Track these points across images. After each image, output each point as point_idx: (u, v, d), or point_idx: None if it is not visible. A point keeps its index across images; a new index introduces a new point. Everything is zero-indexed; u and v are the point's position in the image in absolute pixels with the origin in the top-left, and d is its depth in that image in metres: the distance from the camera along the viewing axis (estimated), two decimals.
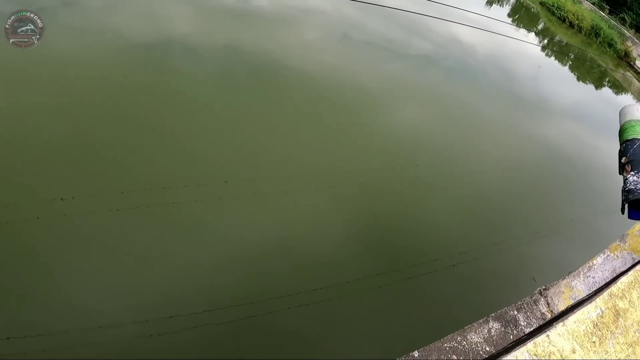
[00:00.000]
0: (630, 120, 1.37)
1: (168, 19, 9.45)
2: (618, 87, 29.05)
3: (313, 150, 8.01)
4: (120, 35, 8.23)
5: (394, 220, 7.50)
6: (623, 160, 1.28)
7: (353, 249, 6.70)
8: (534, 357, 1.88)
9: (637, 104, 1.47)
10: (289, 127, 8.19)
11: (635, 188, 1.20)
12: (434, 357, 3.23)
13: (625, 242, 4.18)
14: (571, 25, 33.59)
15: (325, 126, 8.72)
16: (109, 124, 6.64)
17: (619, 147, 1.36)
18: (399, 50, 14.10)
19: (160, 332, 4.72)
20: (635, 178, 1.21)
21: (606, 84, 28.24)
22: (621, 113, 1.44)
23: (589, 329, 2.14)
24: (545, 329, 2.10)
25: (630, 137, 1.31)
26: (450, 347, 3.35)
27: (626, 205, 1.24)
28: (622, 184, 1.25)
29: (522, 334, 3.42)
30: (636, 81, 33.23)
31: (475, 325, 3.62)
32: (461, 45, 17.11)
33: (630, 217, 1.28)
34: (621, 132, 1.37)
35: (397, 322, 6.01)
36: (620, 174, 1.29)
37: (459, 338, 3.43)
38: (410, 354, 3.24)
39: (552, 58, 26.04)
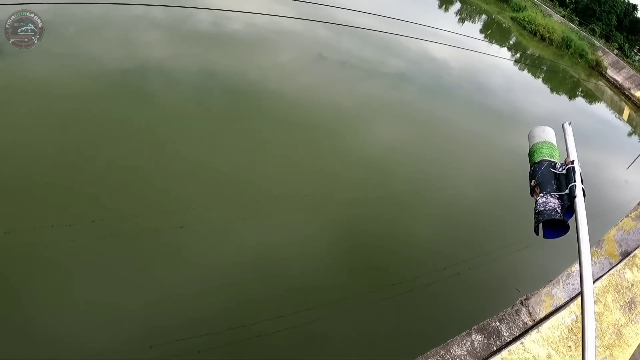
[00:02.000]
0: (537, 143, 1.44)
1: (143, 44, 9.44)
2: (591, 97, 29.63)
3: (292, 172, 7.99)
4: (96, 61, 8.18)
5: (375, 240, 7.47)
6: (532, 183, 1.33)
7: (336, 270, 6.66)
8: None
9: (543, 126, 1.51)
10: (267, 150, 8.18)
11: (544, 209, 1.26)
12: None
13: (602, 247, 4.25)
14: (542, 38, 34.32)
15: (303, 147, 8.72)
16: (83, 152, 6.56)
17: (529, 170, 1.42)
18: (374, 69, 14.23)
19: None
20: (544, 199, 1.27)
21: (579, 94, 28.78)
22: (529, 136, 1.50)
23: (564, 334, 2.17)
24: (521, 337, 2.11)
25: (537, 160, 1.37)
26: None
27: (540, 226, 1.28)
28: (534, 206, 1.31)
29: (505, 345, 3.42)
30: (608, 90, 33.98)
31: (458, 338, 3.65)
32: (435, 62, 17.35)
33: (545, 236, 1.32)
34: (530, 155, 1.43)
35: (381, 340, 5.98)
36: (531, 196, 1.34)
37: (442, 352, 3.46)
38: None
39: (525, 71, 26.47)
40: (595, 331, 0.92)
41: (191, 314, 5.30)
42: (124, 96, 7.87)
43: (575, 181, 1.28)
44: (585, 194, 1.26)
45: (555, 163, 1.37)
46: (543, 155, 1.41)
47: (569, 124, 1.46)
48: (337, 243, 7.06)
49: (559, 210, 1.27)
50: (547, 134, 1.48)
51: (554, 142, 1.45)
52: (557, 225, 1.31)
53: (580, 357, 2.09)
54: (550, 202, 1.29)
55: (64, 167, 6.27)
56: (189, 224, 6.08)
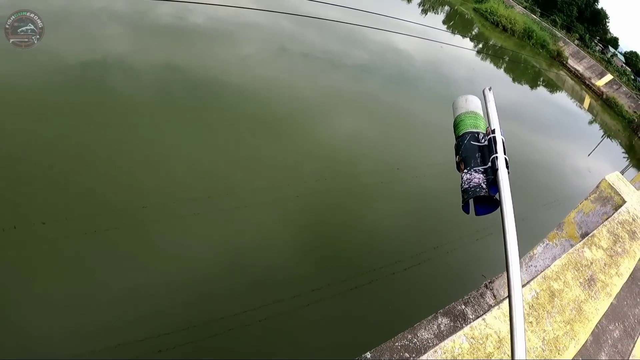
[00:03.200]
0: (460, 115, 1.34)
1: (103, 38, 9.16)
2: (552, 86, 30.30)
3: (256, 165, 7.89)
4: (55, 56, 7.88)
5: (341, 231, 7.46)
6: (457, 158, 1.23)
7: (302, 262, 6.64)
8: (472, 340, 1.91)
9: (467, 95, 1.42)
10: (230, 143, 8.05)
11: (469, 187, 1.18)
12: (386, 357, 3.27)
13: (563, 229, 4.30)
14: (504, 29, 34.92)
15: (266, 140, 8.62)
16: (41, 149, 6.31)
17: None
18: (337, 61, 14.16)
19: None
20: (468, 176, 1.20)
21: (541, 83, 29.39)
22: (453, 107, 1.38)
23: (524, 311, 2.10)
24: (483, 315, 2.07)
25: (461, 133, 1.26)
26: (401, 346, 3.40)
27: (471, 203, 1.18)
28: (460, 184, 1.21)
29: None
30: (569, 79, 34.82)
31: (425, 322, 3.68)
32: (398, 53, 17.41)
33: (477, 214, 1.22)
34: (454, 127, 1.32)
35: (349, 328, 5.98)
36: (458, 172, 1.23)
37: (409, 336, 3.48)
38: (363, 355, 3.25)
39: (488, 61, 26.85)
40: (524, 324, 0.83)
41: (157, 311, 5.20)
42: (84, 91, 7.65)
43: (497, 152, 1.18)
44: (509, 165, 1.17)
45: (479, 134, 1.27)
46: (466, 127, 1.30)
47: (489, 89, 1.35)
48: (302, 235, 7.06)
49: (484, 186, 1.18)
50: (471, 103, 1.36)
51: (480, 111, 1.34)
52: (487, 201, 1.22)
53: (542, 332, 2.07)
54: (475, 177, 1.20)
55: (22, 164, 6.03)
56: (151, 219, 5.98)
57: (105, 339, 4.72)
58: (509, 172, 1.15)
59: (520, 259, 4.34)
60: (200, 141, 7.77)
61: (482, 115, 1.33)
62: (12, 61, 7.20)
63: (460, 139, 1.30)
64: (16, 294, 4.89)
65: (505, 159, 1.18)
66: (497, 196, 1.16)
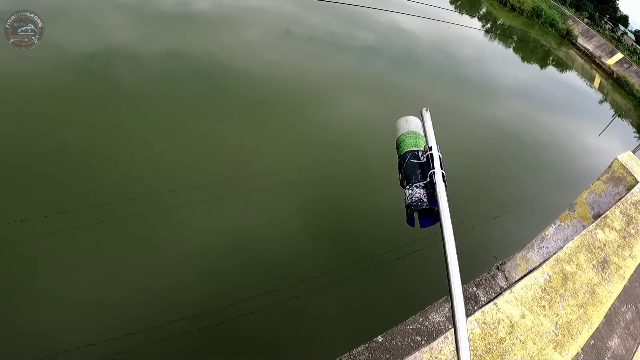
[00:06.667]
0: (401, 135, 1.42)
1: (107, 27, 9.11)
2: (562, 65, 29.93)
3: (263, 151, 7.86)
4: (60, 47, 7.86)
5: (351, 214, 7.45)
6: (400, 176, 1.28)
7: (312, 246, 6.62)
8: (483, 325, 1.89)
9: (407, 116, 1.50)
10: (237, 128, 8.01)
11: (411, 202, 1.26)
12: (397, 340, 3.29)
13: (575, 210, 4.26)
14: (512, 8, 34.47)
15: (273, 125, 8.58)
16: (49, 140, 6.30)
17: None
18: (343, 43, 14.06)
19: (128, 349, 4.54)
20: (410, 191, 1.28)
21: (550, 62, 29.03)
22: (395, 128, 1.45)
23: (537, 294, 2.16)
24: (495, 299, 2.05)
25: (402, 152, 1.37)
26: (413, 329, 3.43)
27: (415, 216, 1.23)
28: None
29: (479, 308, 3.42)
30: (579, 58, 34.38)
31: (436, 305, 3.71)
32: (404, 33, 17.24)
33: (422, 226, 1.28)
34: (396, 147, 1.39)
35: (361, 312, 5.99)
36: (402, 187, 1.29)
37: (421, 319, 3.52)
38: (374, 339, 3.28)
39: (496, 41, 26.53)
40: (466, 321, 0.82)
41: (168, 299, 5.23)
42: (88, 81, 7.62)
43: (434, 168, 1.26)
44: (446, 179, 1.24)
45: (418, 152, 1.35)
46: (407, 146, 1.38)
47: (427, 109, 1.45)
48: (312, 219, 7.05)
49: (424, 200, 1.26)
50: (411, 124, 1.45)
51: (420, 130, 1.43)
52: (430, 214, 1.29)
53: (555, 316, 2.04)
54: (416, 193, 1.28)
55: (31, 156, 6.03)
56: (159, 209, 5.96)
57: (116, 327, 4.76)
58: (446, 186, 1.21)
59: (532, 239, 4.32)
60: (204, 127, 7.75)
61: (422, 134, 1.41)
62: (20, 55, 7.20)
63: (402, 157, 1.37)
64: (34, 284, 4.93)
65: (443, 173, 1.25)
66: (436, 208, 1.22)
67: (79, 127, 6.67)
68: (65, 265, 5.18)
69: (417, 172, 1.30)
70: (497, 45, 26.03)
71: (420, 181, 1.28)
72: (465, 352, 0.93)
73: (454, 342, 1.01)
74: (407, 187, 1.28)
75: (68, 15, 9.04)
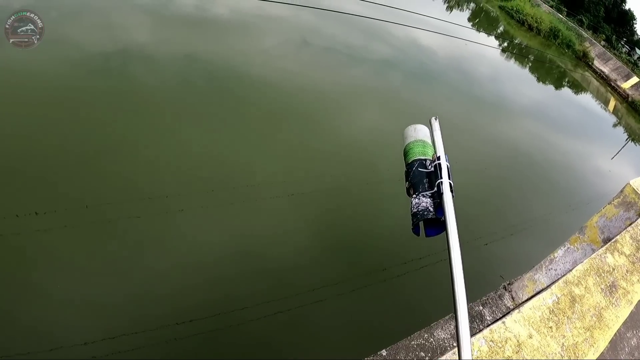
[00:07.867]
0: (409, 143, 1.43)
1: (126, 28, 9.23)
2: (577, 87, 29.80)
3: (275, 159, 7.88)
4: (78, 46, 7.98)
5: (359, 227, 7.43)
6: (407, 184, 1.34)
7: (318, 257, 6.61)
8: (490, 343, 1.89)
9: (415, 124, 1.51)
10: (250, 136, 8.05)
11: (417, 210, 1.27)
12: (401, 355, 3.28)
13: (584, 234, 4.24)
14: (530, 28, 34.46)
15: (286, 134, 8.60)
16: (64, 138, 6.38)
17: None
18: (359, 55, 14.07)
19: (129, 349, 4.53)
20: (417, 200, 1.29)
21: (565, 84, 28.92)
22: (403, 136, 1.47)
23: (545, 315, 2.17)
24: (503, 318, 2.07)
25: (410, 160, 1.38)
26: (417, 345, 3.41)
27: (420, 225, 1.25)
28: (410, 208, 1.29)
29: (487, 326, 3.43)
30: (594, 80, 34.23)
31: (442, 322, 3.68)
32: (421, 49, 17.27)
33: (427, 235, 1.29)
34: (404, 155, 1.40)
35: (365, 325, 5.97)
36: (408, 197, 1.31)
37: (425, 335, 3.50)
38: (379, 352, 3.27)
39: (512, 60, 26.51)
40: (469, 327, 0.85)
41: (171, 303, 5.23)
42: (105, 82, 7.70)
43: (441, 178, 1.27)
44: (453, 189, 1.25)
45: (426, 161, 1.37)
46: (415, 154, 1.40)
47: (436, 118, 1.47)
48: (320, 230, 7.04)
49: (431, 209, 1.27)
50: (419, 132, 1.47)
51: (428, 139, 1.45)
52: (435, 223, 1.29)
53: (562, 337, 2.06)
54: (423, 202, 1.29)
55: (44, 155, 6.10)
56: (167, 213, 5.99)
57: (116, 328, 4.77)
58: (453, 196, 1.22)
59: (541, 261, 4.31)
60: (217, 133, 7.80)
61: (430, 143, 1.43)
62: (33, 52, 7.33)
63: (409, 165, 1.38)
64: (39, 278, 4.98)
65: (450, 183, 1.26)
66: (442, 218, 1.23)
67: (93, 127, 6.76)
68: (67, 265, 5.23)
69: (425, 181, 1.31)
70: (512, 65, 25.99)
71: (427, 190, 1.29)
72: None
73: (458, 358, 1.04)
74: (414, 195, 1.30)
75: (87, 14, 9.19)
